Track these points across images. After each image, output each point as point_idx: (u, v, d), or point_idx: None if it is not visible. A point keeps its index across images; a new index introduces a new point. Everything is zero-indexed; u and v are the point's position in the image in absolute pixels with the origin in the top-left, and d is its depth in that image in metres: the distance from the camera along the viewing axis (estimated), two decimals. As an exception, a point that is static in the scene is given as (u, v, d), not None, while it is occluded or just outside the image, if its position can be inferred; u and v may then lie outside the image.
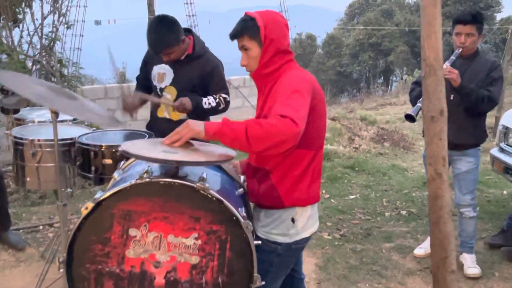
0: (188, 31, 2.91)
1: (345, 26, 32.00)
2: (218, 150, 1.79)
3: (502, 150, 4.17)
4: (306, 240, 2.03)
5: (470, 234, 3.27)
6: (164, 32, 2.66)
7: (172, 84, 2.89)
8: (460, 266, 3.26)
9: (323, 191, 4.98)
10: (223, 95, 2.90)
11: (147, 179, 1.61)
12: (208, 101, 2.83)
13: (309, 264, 3.36)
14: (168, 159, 1.57)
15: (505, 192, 4.91)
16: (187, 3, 8.58)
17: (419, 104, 2.86)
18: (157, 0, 7.20)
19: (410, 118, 2.89)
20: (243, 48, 1.89)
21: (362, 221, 4.21)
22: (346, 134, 8.22)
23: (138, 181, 1.60)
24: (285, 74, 1.87)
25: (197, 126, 1.68)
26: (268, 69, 1.89)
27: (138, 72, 3.12)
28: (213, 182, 1.78)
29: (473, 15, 3.04)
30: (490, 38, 23.95)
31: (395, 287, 3.11)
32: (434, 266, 2.12)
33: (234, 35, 1.89)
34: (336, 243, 3.73)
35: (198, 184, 1.62)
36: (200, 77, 2.87)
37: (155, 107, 3.01)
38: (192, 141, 1.78)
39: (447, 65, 2.96)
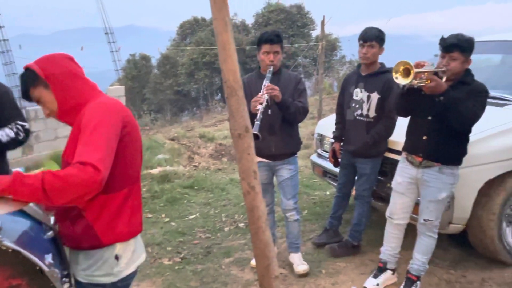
0: None
1: (178, 46, 32.37)
2: None
3: (319, 155, 4.61)
4: (133, 275, 1.93)
5: (296, 235, 3.53)
6: None
7: None
8: (291, 266, 3.49)
9: (163, 215, 4.90)
10: (20, 123, 2.66)
11: None
12: (5, 133, 2.57)
13: (149, 295, 3.25)
14: None
15: (327, 193, 5.43)
16: (-5, 27, 7.75)
17: (257, 122, 2.96)
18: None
19: (255, 136, 2.96)
20: (36, 101, 1.79)
21: (202, 240, 4.23)
22: (185, 153, 8.27)
23: None
24: (89, 103, 1.77)
25: None
26: (69, 103, 1.77)
27: None
28: (11, 230, 1.58)
29: (277, 35, 3.30)
30: (308, 53, 26.65)
31: (235, 302, 3.17)
32: (260, 275, 2.21)
33: (24, 95, 1.79)
34: (176, 267, 3.67)
35: (-14, 237, 1.42)
36: None
37: None
38: None
39: (267, 82, 3.16)
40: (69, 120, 1.81)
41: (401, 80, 2.69)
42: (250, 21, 32.31)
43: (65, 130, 8.82)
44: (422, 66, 2.73)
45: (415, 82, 2.70)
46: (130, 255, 1.85)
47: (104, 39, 21.46)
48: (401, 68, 2.68)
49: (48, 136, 7.58)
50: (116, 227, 1.78)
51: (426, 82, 2.72)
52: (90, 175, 1.49)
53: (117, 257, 1.81)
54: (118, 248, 1.81)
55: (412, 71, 2.62)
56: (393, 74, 2.71)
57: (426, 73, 2.72)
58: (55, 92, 1.74)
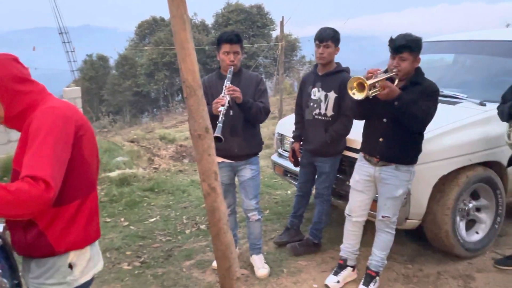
0: None
1: (137, 46, 31.82)
2: None
3: (280, 155, 4.62)
4: (88, 283, 1.86)
5: (257, 235, 3.53)
6: None
7: None
8: (252, 267, 3.49)
9: (122, 219, 4.78)
10: None
11: None
12: None
13: (107, 302, 3.16)
14: None
15: (289, 192, 5.46)
16: None
17: (220, 125, 2.94)
18: None
19: (218, 139, 2.93)
20: None
21: (162, 243, 4.15)
22: (145, 155, 8.10)
23: None
24: (39, 108, 1.68)
25: None
26: (17, 108, 1.67)
27: None
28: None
29: (236, 35, 3.29)
30: (269, 53, 26.80)
31: (197, 304, 3.13)
32: (221, 277, 2.19)
33: None
34: (136, 272, 3.59)
35: None
36: None
37: None
38: None
39: (228, 83, 3.14)
40: (17, 126, 1.72)
41: (358, 96, 2.77)
42: (210, 21, 32.22)
43: (19, 133, 8.47)
44: (375, 73, 2.81)
45: (369, 93, 2.77)
46: (85, 263, 1.79)
47: (59, 39, 20.81)
48: (355, 84, 2.75)
49: (0, 140, 7.26)
50: (69, 235, 1.71)
51: (380, 90, 2.80)
52: (42, 192, 1.44)
53: (71, 266, 1.74)
54: (72, 256, 1.74)
55: (366, 84, 2.69)
56: (349, 91, 2.79)
57: (379, 81, 2.80)
58: (0, 97, 1.65)
